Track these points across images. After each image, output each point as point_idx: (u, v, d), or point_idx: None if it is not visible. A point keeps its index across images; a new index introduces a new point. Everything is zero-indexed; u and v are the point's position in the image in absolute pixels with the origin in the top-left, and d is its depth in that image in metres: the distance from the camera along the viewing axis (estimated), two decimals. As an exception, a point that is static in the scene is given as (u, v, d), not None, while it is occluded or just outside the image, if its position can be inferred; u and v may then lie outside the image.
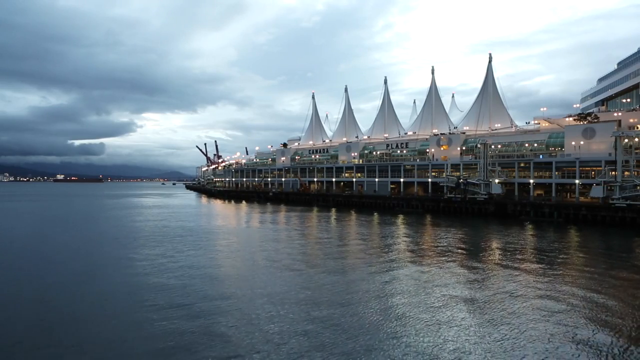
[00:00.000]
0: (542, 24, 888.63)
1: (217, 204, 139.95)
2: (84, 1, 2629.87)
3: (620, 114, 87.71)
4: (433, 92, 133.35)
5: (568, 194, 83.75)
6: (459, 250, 46.90)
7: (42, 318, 24.73)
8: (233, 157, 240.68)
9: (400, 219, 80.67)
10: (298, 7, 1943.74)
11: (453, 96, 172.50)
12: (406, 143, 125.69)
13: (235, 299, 28.33)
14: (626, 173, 71.04)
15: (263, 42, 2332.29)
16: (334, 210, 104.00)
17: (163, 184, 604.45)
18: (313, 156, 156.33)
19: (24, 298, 28.99)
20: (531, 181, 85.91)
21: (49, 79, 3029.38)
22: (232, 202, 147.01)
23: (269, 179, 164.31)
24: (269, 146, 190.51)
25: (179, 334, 22.07)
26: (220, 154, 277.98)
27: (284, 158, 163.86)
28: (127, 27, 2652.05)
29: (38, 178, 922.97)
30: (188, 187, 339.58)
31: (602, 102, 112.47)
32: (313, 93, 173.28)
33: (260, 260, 42.10)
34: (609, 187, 71.04)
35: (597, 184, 72.79)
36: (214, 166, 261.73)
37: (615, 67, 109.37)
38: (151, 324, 23.48)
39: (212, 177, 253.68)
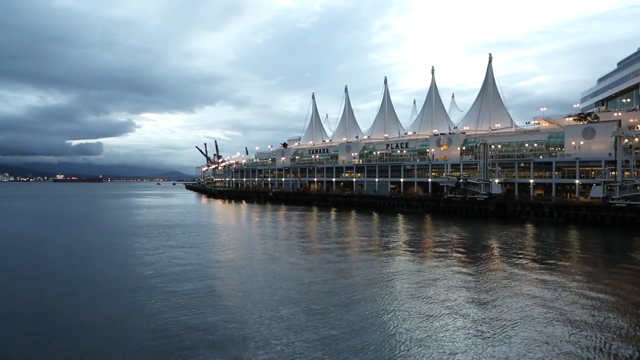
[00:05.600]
0: (538, 25, 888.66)
1: (217, 203, 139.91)
2: (80, 2, 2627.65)
3: (620, 114, 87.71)
4: (433, 92, 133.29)
5: (568, 194, 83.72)
6: (459, 250, 46.88)
7: (40, 320, 24.76)
8: (233, 157, 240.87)
9: (400, 219, 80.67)
10: (295, 8, 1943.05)
11: (453, 96, 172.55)
12: (406, 143, 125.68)
13: (235, 297, 28.36)
14: (626, 173, 71.02)
15: (260, 42, 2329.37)
16: (334, 210, 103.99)
17: (158, 184, 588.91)
18: (313, 156, 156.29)
19: (22, 298, 29.04)
20: (531, 181, 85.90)
21: (46, 79, 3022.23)
22: (232, 202, 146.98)
23: (269, 179, 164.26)
24: (269, 146, 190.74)
25: (180, 331, 22.11)
26: (220, 154, 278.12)
27: (284, 158, 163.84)
28: (124, 27, 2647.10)
29: (38, 178, 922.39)
30: (188, 187, 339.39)
31: (602, 102, 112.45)
32: (313, 93, 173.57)
33: (258, 258, 42.08)
34: (609, 187, 71.03)
35: (597, 184, 72.78)
36: (214, 166, 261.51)
37: (615, 67, 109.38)
38: (150, 323, 23.51)
39: (212, 177, 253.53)
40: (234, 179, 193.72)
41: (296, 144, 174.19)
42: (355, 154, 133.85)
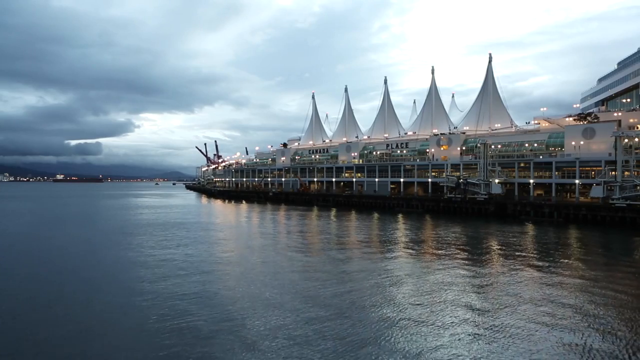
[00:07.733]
0: (537, 26, 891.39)
1: (217, 204, 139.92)
2: (78, 2, 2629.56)
3: (620, 114, 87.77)
4: (433, 92, 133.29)
5: (568, 194, 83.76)
6: (459, 251, 46.87)
7: (38, 320, 24.76)
8: (233, 157, 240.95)
9: (400, 219, 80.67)
10: (294, 9, 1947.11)
11: (453, 96, 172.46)
12: (406, 143, 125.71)
13: (236, 298, 28.39)
14: (626, 173, 71.06)
15: (259, 42, 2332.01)
16: (334, 210, 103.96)
17: (157, 184, 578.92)
18: (313, 156, 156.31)
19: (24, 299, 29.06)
20: (531, 181, 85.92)
21: (45, 79, 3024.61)
22: (232, 202, 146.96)
23: (269, 179, 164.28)
24: (269, 146, 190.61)
25: (176, 333, 22.14)
26: (220, 154, 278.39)
27: (284, 158, 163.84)
28: (122, 27, 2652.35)
29: (38, 178, 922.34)
30: (188, 187, 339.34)
31: (602, 102, 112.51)
32: (313, 93, 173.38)
33: (258, 259, 42.09)
34: (609, 187, 71.05)
35: (597, 184, 72.81)
36: (214, 166, 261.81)
37: (615, 67, 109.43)
38: (147, 324, 23.54)
39: (212, 177, 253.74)
40: (234, 179, 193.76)
41: (296, 144, 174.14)
42: (355, 154, 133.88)
